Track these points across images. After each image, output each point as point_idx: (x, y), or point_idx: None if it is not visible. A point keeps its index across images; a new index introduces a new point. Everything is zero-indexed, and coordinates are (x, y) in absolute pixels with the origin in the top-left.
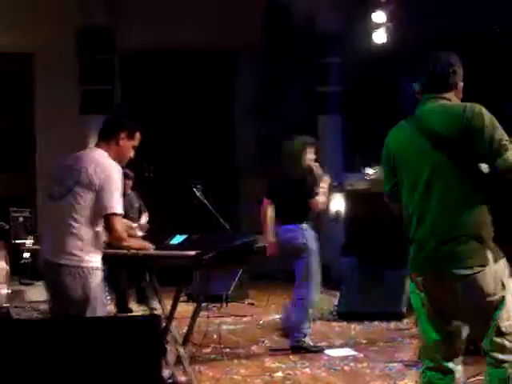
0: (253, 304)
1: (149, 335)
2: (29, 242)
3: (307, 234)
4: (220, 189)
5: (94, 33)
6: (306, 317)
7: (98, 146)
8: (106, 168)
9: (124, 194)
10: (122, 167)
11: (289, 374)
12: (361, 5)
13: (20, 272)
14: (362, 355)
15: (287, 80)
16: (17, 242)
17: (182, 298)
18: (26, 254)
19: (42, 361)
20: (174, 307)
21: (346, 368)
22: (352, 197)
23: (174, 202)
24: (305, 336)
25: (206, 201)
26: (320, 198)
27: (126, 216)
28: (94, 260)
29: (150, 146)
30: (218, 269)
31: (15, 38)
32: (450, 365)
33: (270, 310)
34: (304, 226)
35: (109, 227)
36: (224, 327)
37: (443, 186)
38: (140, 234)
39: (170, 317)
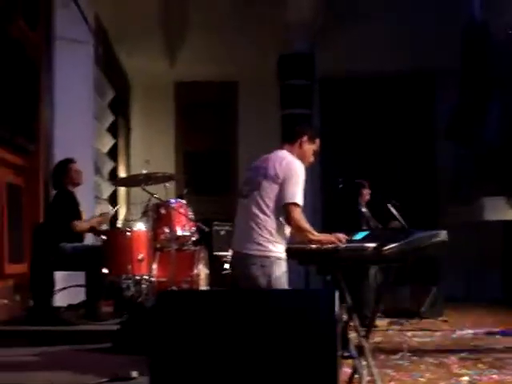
0: (446, 321)
1: (323, 305)
2: (229, 255)
3: None
4: (420, 212)
5: (295, 58)
6: None
7: (281, 148)
8: (290, 162)
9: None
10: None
11: (475, 379)
12: None
13: (221, 283)
14: None
15: (488, 100)
16: (218, 254)
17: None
18: (227, 266)
19: (232, 328)
20: (354, 300)
21: None
22: None
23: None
24: None
25: (400, 218)
26: None
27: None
28: (278, 250)
29: (351, 168)
30: (399, 262)
31: (221, 67)
32: None
33: (463, 327)
34: None
35: (288, 216)
36: (415, 339)
37: None
38: None
39: (352, 309)
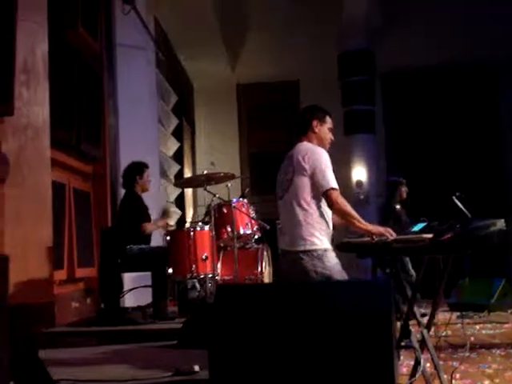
0: None
1: (379, 295)
2: None
3: None
4: (487, 206)
5: (355, 55)
6: None
7: (300, 141)
8: (312, 152)
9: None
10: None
11: None
12: None
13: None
14: None
15: None
16: None
17: (443, 308)
18: None
19: (289, 319)
20: (415, 290)
21: None
22: None
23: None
24: None
25: (464, 209)
26: None
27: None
28: (323, 242)
29: (414, 162)
30: (458, 252)
31: (282, 67)
32: None
33: None
34: None
35: (329, 202)
36: (483, 331)
37: None
38: None
39: (412, 300)
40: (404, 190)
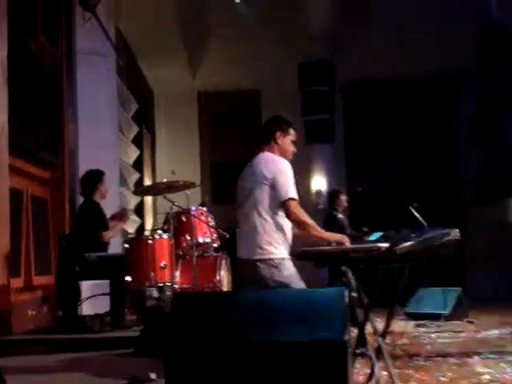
0: (472, 322)
1: (334, 303)
2: None
3: None
4: (445, 214)
5: (315, 66)
6: None
7: (262, 151)
8: (274, 162)
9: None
10: None
11: (496, 376)
12: None
13: None
14: None
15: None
16: None
17: (399, 317)
18: None
19: (245, 326)
20: (371, 298)
21: None
22: None
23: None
24: None
25: (421, 219)
26: None
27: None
28: (281, 251)
29: (373, 172)
30: (414, 261)
31: (243, 76)
32: None
33: (489, 327)
34: None
35: (287, 212)
36: (439, 340)
37: None
38: None
39: (368, 306)
40: (344, 198)
